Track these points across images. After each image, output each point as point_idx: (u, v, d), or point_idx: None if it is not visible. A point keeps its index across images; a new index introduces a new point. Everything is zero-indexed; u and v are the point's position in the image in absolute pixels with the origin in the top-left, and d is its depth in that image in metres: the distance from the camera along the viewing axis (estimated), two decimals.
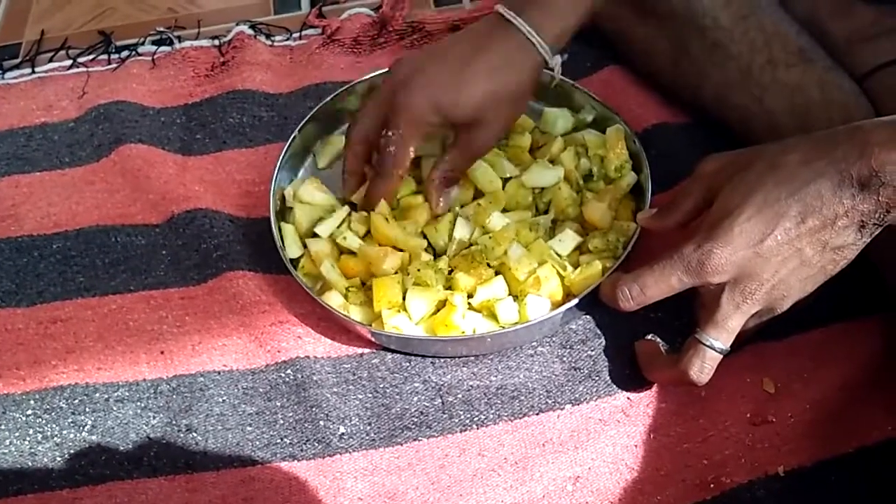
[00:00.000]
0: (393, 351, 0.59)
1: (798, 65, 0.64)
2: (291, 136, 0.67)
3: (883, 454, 0.53)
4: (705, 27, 0.67)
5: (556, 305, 0.57)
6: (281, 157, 0.66)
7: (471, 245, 0.60)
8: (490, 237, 0.59)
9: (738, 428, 0.54)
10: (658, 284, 0.49)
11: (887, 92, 0.63)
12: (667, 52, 0.70)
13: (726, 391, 0.56)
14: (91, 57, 0.83)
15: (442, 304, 0.57)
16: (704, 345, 0.48)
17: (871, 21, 0.66)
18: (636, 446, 0.54)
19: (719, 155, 0.52)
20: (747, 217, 0.45)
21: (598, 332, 0.59)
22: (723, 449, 0.53)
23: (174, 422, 0.57)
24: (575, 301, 0.55)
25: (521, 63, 0.58)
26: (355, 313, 0.58)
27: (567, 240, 0.60)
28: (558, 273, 0.58)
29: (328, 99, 0.69)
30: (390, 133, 0.58)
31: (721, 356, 0.49)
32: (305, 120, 0.68)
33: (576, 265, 0.59)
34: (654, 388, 0.56)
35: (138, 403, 0.58)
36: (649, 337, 0.57)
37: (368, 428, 0.56)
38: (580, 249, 0.60)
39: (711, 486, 0.52)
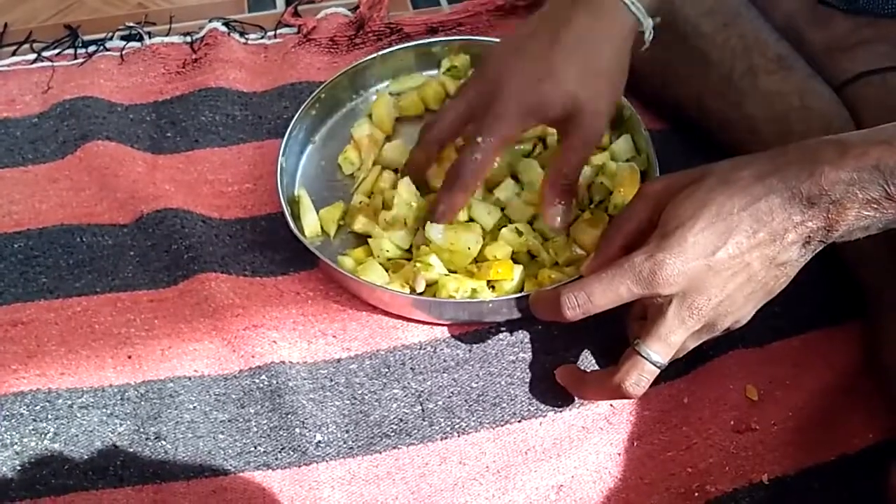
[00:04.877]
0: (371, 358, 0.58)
1: (778, 72, 0.64)
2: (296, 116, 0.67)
3: (864, 462, 0.53)
4: (686, 34, 0.67)
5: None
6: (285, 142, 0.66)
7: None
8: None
9: (721, 436, 0.54)
10: (606, 293, 0.46)
11: (864, 101, 0.63)
12: (647, 59, 0.70)
13: (709, 398, 0.55)
14: (56, 51, 0.80)
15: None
16: (643, 356, 0.47)
17: (848, 31, 0.67)
18: (619, 454, 0.54)
19: (664, 176, 0.50)
20: (701, 228, 0.45)
21: (581, 338, 0.58)
22: (707, 457, 0.53)
23: (142, 429, 0.54)
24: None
25: (610, 29, 0.53)
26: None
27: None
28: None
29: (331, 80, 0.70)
30: (479, 140, 0.53)
31: (658, 371, 0.48)
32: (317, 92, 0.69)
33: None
34: None
35: (104, 410, 0.55)
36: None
37: (346, 436, 0.54)
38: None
39: (696, 494, 0.52)
